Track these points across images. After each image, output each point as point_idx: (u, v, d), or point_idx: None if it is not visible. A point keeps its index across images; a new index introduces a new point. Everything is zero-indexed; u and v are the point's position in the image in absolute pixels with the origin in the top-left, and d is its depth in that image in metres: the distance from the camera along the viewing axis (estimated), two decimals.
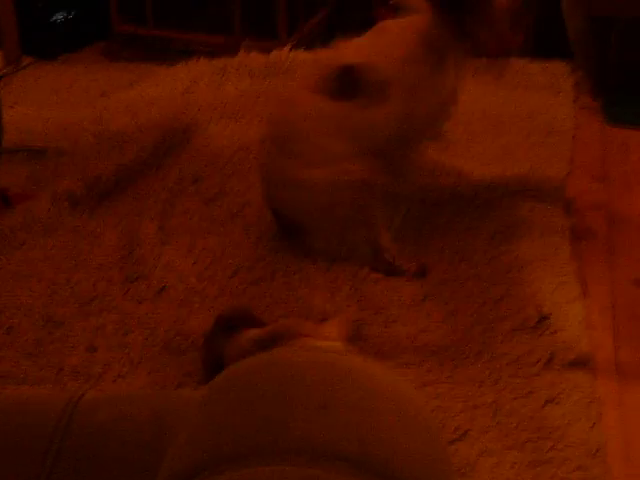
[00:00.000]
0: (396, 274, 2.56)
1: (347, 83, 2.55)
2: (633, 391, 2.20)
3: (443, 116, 2.68)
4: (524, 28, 2.52)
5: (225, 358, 2.12)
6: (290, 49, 4.01)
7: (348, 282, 2.59)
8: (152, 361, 2.31)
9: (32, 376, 2.25)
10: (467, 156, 3.22)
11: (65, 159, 3.29)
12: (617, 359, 2.31)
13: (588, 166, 3.23)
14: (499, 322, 2.40)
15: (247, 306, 2.42)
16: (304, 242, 2.66)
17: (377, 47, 2.61)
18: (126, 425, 1.16)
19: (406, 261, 2.60)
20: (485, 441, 2.02)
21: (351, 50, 2.63)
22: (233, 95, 3.74)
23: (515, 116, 3.49)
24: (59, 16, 4.34)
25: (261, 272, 2.64)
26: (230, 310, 2.32)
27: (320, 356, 0.91)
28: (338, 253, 2.64)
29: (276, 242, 2.76)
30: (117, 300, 2.54)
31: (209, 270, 2.66)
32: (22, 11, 4.23)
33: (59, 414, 1.16)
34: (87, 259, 2.72)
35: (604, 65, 3.65)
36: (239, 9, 4.09)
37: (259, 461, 0.79)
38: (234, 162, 3.24)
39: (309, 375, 0.87)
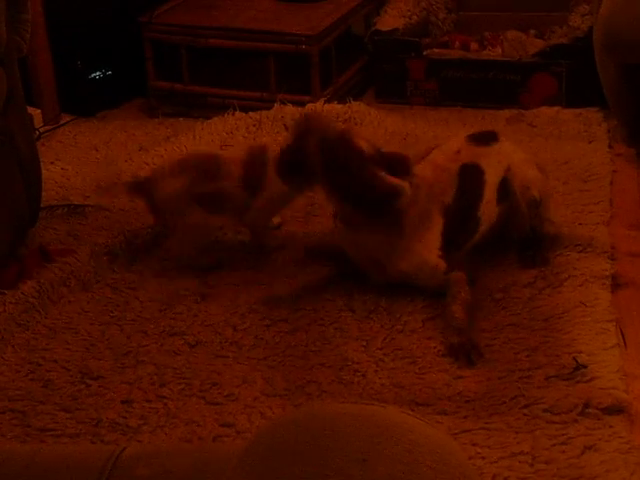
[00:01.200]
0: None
1: None
2: None
3: None
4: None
5: None
6: (324, 102, 4.03)
7: (384, 332, 2.59)
8: (189, 412, 2.32)
9: (70, 429, 2.27)
10: None
11: (104, 214, 3.32)
12: None
13: (626, 213, 3.20)
14: (535, 370, 2.38)
15: None
16: None
17: None
18: None
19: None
20: None
21: None
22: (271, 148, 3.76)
23: (551, 163, 3.48)
24: (97, 74, 4.39)
25: (297, 323, 2.66)
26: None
27: (359, 408, 0.91)
28: None
29: (315, 295, 2.78)
30: (152, 352, 2.56)
31: (245, 321, 2.68)
32: (61, 69, 4.28)
33: (100, 470, 1.17)
34: (123, 313, 2.74)
35: (639, 113, 3.63)
36: (273, 65, 4.13)
37: None
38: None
39: (348, 428, 0.87)
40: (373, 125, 3.94)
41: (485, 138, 2.92)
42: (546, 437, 2.14)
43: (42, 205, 3.30)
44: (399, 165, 2.66)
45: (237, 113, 4.05)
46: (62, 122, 4.28)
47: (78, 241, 3.15)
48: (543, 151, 3.64)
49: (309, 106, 3.96)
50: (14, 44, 3.02)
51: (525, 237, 2.89)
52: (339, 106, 4.05)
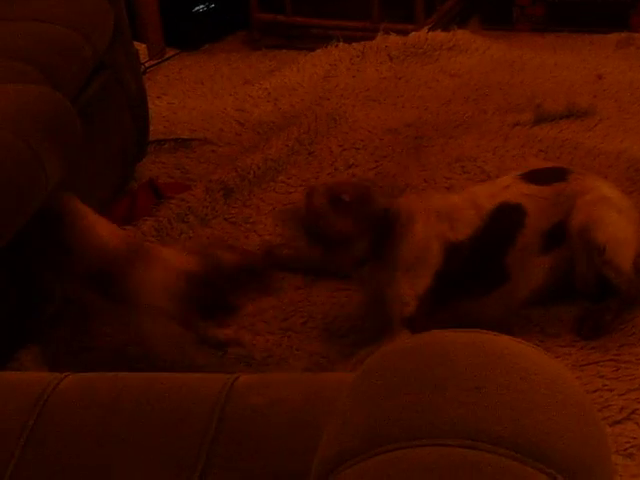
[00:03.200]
0: None
1: None
2: None
3: None
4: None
5: None
6: (428, 30, 3.98)
7: None
8: (313, 345, 2.33)
9: (197, 361, 2.27)
10: (622, 130, 3.14)
11: (211, 148, 3.35)
12: None
13: None
14: None
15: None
16: None
17: None
18: (279, 409, 1.17)
19: None
20: None
21: None
22: (374, 78, 3.74)
23: None
24: (200, 7, 4.41)
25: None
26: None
27: (472, 337, 0.91)
28: None
29: None
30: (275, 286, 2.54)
31: None
32: (165, 3, 4.30)
33: (215, 397, 1.19)
34: (243, 245, 2.74)
35: None
36: None
37: (412, 444, 0.79)
38: (385, 145, 3.22)
39: (461, 356, 0.87)
40: (479, 52, 3.89)
41: (549, 176, 2.42)
42: None
43: (150, 139, 3.34)
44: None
45: (340, 44, 4.02)
46: (167, 56, 4.31)
47: (185, 175, 3.19)
48: None
49: (414, 33, 3.92)
50: None
51: (589, 293, 2.39)
52: (443, 34, 4.01)
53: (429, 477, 0.76)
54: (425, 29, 4.01)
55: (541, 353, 0.90)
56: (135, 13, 4.10)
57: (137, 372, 1.33)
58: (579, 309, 2.36)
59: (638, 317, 2.31)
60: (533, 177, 2.39)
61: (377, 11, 4.11)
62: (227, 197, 2.99)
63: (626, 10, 4.02)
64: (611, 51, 3.85)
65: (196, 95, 3.91)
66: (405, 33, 3.99)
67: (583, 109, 3.26)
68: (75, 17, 2.71)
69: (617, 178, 2.80)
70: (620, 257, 2.30)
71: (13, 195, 1.97)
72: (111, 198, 2.92)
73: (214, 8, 4.44)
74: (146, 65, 4.10)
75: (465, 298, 2.33)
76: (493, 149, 3.10)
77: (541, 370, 0.86)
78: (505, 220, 2.32)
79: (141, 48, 4.05)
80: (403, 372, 0.87)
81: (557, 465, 0.77)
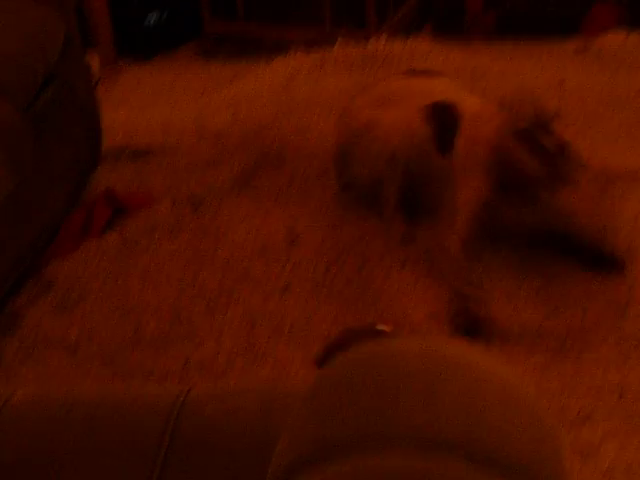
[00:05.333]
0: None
1: None
2: None
3: None
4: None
5: None
6: (386, 39, 4.00)
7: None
8: (278, 354, 2.34)
9: (159, 370, 2.31)
10: (589, 134, 3.16)
11: (168, 157, 3.34)
12: None
13: None
14: (632, 304, 2.38)
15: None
16: None
17: None
18: (234, 419, 1.17)
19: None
20: (610, 424, 2.01)
21: None
22: (334, 88, 3.74)
23: (626, 94, 3.45)
24: (153, 17, 4.39)
25: (391, 262, 2.65)
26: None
27: (424, 343, 0.91)
28: None
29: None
30: (244, 296, 2.56)
31: (338, 263, 2.67)
32: (116, 14, 4.29)
33: (169, 409, 1.18)
34: (213, 257, 2.75)
35: None
36: (329, 1, 4.09)
37: (365, 452, 0.79)
38: None
39: (413, 363, 0.87)
40: (438, 60, 3.89)
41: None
42: (636, 372, 2.15)
43: (108, 149, 3.32)
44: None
45: (299, 54, 4.02)
46: (119, 66, 4.29)
47: (144, 184, 3.17)
48: (615, 80, 3.58)
49: None
50: None
51: None
52: (401, 42, 4.01)
53: None
54: (383, 37, 4.01)
55: (492, 358, 0.89)
56: (87, 24, 4.09)
57: (89, 386, 1.32)
58: (541, 315, 2.38)
59: (600, 322, 2.33)
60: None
61: (329, 18, 4.11)
62: (195, 209, 2.98)
63: (576, 18, 4.06)
64: (569, 57, 3.88)
65: (154, 105, 3.89)
66: (358, 40, 4.00)
67: (550, 114, 3.29)
68: (25, 28, 2.70)
69: (590, 180, 2.81)
70: None
71: None
72: (65, 209, 2.90)
73: (166, 18, 4.43)
74: (98, 76, 4.07)
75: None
76: None
77: (493, 376, 0.86)
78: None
79: (93, 59, 4.03)
80: (356, 381, 0.87)
81: (509, 471, 0.77)
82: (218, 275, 2.67)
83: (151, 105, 3.87)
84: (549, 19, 4.11)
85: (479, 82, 3.68)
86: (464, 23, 4.26)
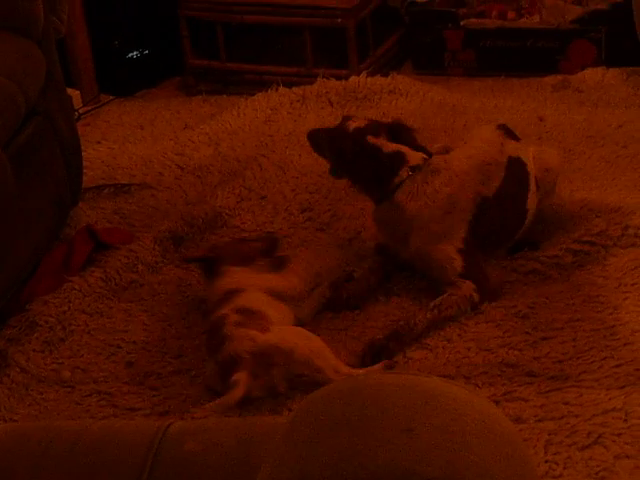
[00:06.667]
0: None
1: None
2: None
3: None
4: None
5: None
6: (367, 75, 4.01)
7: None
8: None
9: (159, 407, 2.31)
10: (569, 170, 3.17)
11: (150, 192, 3.34)
12: None
13: None
14: (620, 327, 2.40)
15: None
16: None
17: None
18: (214, 455, 1.16)
19: None
20: (620, 445, 2.02)
21: None
22: (316, 124, 3.74)
23: (605, 128, 3.48)
24: (134, 53, 4.40)
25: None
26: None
27: (402, 379, 0.91)
28: None
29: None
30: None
31: None
32: (98, 50, 4.29)
33: (148, 444, 1.18)
34: (196, 292, 2.75)
35: None
36: (310, 39, 4.10)
37: None
38: (338, 189, 3.19)
39: (393, 399, 0.87)
40: (419, 96, 3.91)
41: (510, 131, 2.86)
42: (638, 393, 2.15)
43: (89, 184, 3.32)
44: (402, 133, 2.69)
45: (281, 89, 4.01)
46: (102, 102, 4.29)
47: (125, 220, 3.17)
48: (594, 116, 3.60)
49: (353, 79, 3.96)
50: (52, 25, 3.02)
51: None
52: (382, 79, 4.03)
53: None
54: (364, 74, 4.03)
55: (471, 393, 0.90)
56: (68, 59, 4.09)
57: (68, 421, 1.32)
58: (532, 342, 2.41)
59: (595, 345, 2.35)
60: (508, 133, 2.82)
61: (311, 57, 4.13)
62: (178, 245, 2.97)
63: (554, 56, 4.09)
64: (548, 93, 3.90)
65: (136, 140, 3.88)
66: (340, 78, 4.01)
67: None
68: (7, 64, 2.70)
69: (571, 217, 2.86)
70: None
71: None
72: (46, 244, 2.90)
73: (148, 54, 4.43)
74: (80, 111, 4.07)
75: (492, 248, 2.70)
76: None
77: (471, 410, 0.86)
78: (518, 171, 2.74)
79: (75, 94, 4.02)
80: (335, 415, 0.87)
81: None
82: (202, 309, 2.65)
83: (132, 141, 3.87)
84: (528, 57, 4.14)
85: (460, 118, 3.69)
86: (444, 60, 4.28)
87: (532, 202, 2.76)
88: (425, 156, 2.65)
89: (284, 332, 2.30)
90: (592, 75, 3.94)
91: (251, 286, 2.45)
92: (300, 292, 2.55)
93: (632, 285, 2.57)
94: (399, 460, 0.79)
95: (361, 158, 2.64)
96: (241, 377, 2.19)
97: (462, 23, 4.24)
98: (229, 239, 2.87)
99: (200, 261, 2.61)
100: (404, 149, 2.64)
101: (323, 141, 2.76)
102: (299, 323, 2.50)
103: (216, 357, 2.29)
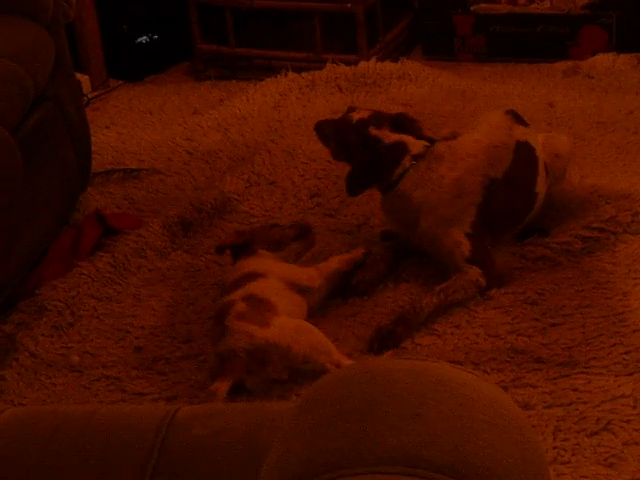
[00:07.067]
0: None
1: None
2: None
3: None
4: None
5: None
6: (376, 60, 4.00)
7: None
8: None
9: (167, 392, 2.31)
10: (580, 156, 3.16)
11: (159, 177, 3.34)
12: None
13: None
14: (630, 313, 2.40)
15: None
16: None
17: None
18: (221, 440, 1.16)
19: None
20: (629, 432, 2.02)
21: None
22: (325, 109, 3.73)
23: (616, 114, 3.46)
24: (143, 38, 4.39)
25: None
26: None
27: (411, 364, 0.90)
28: None
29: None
30: None
31: None
32: (107, 35, 4.29)
33: (156, 429, 1.18)
34: (205, 277, 2.76)
35: None
36: (319, 24, 4.09)
37: (353, 472, 0.78)
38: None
39: (401, 384, 0.86)
40: (428, 82, 3.90)
41: (518, 116, 2.83)
42: None
43: (98, 169, 3.32)
44: (406, 124, 2.69)
45: (290, 74, 4.02)
46: (110, 87, 4.29)
47: (134, 205, 3.18)
48: (604, 102, 3.59)
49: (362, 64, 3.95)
50: (61, 10, 3.01)
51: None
52: (391, 64, 4.02)
53: None
54: (373, 59, 4.02)
55: (480, 379, 0.89)
56: (77, 45, 4.09)
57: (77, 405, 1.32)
58: (541, 328, 2.40)
59: (604, 331, 2.35)
60: (516, 118, 2.79)
61: (320, 43, 4.12)
62: (186, 230, 2.97)
63: (564, 41, 4.08)
64: (559, 79, 3.89)
65: (145, 125, 3.89)
66: (349, 63, 4.00)
67: None
68: (16, 49, 2.70)
69: (581, 203, 2.85)
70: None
71: None
72: (54, 229, 2.90)
73: (157, 39, 4.43)
74: (89, 96, 4.07)
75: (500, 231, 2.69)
76: None
77: (480, 396, 0.86)
78: (526, 155, 2.72)
79: (84, 79, 4.02)
80: (343, 400, 0.86)
81: None
82: (210, 295, 2.66)
83: (141, 126, 3.87)
84: (538, 43, 4.12)
85: (469, 104, 3.68)
86: (454, 45, 4.27)
87: (541, 186, 2.75)
88: (427, 144, 2.64)
89: (284, 327, 2.28)
90: (602, 61, 3.93)
91: (270, 273, 2.45)
92: (319, 287, 2.54)
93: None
94: (407, 445, 0.79)
95: (363, 149, 2.64)
96: (220, 387, 2.19)
97: (472, 8, 4.23)
98: (260, 225, 2.85)
99: (231, 247, 2.59)
100: (406, 138, 2.65)
101: (329, 132, 2.76)
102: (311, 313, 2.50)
103: (216, 347, 2.29)
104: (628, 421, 2.04)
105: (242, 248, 2.55)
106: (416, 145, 2.64)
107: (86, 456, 1.15)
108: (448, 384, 0.87)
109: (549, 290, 2.53)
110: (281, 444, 0.87)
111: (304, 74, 4.00)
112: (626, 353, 2.26)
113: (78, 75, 3.33)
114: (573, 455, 1.97)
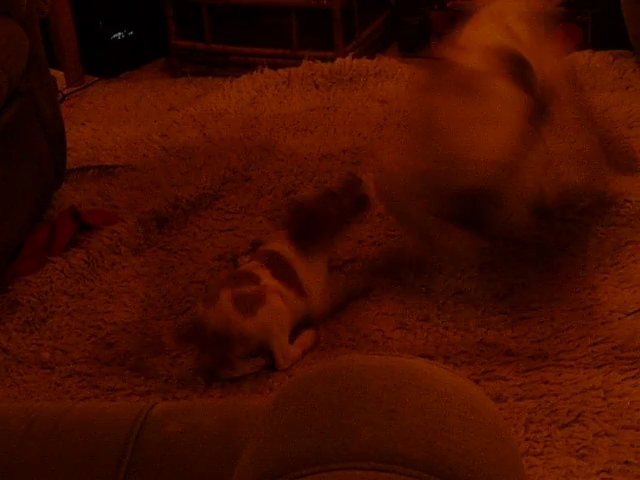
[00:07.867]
0: None
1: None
2: None
3: None
4: None
5: None
6: (353, 57, 4.00)
7: (442, 277, 2.62)
8: None
9: (140, 388, 2.32)
10: (555, 152, 3.15)
11: (134, 174, 3.33)
12: None
13: None
14: (598, 307, 2.42)
15: None
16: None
17: None
18: (196, 436, 1.16)
19: None
20: (600, 423, 2.05)
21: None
22: (301, 106, 3.74)
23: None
24: (118, 34, 4.38)
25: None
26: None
27: (385, 360, 0.90)
28: None
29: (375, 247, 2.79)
30: None
31: None
32: (82, 30, 4.27)
33: (130, 426, 1.17)
34: (178, 274, 2.75)
35: None
36: (296, 21, 4.09)
37: (327, 468, 0.78)
38: (322, 171, 3.21)
39: (376, 380, 0.86)
40: (404, 79, 3.90)
41: None
42: (616, 372, 2.19)
43: (73, 166, 3.31)
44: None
45: (266, 70, 4.01)
46: (85, 84, 4.27)
47: (109, 201, 3.17)
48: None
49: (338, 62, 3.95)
50: (35, 5, 3.00)
51: None
52: (368, 61, 4.02)
53: None
54: (350, 56, 4.02)
55: (454, 374, 0.89)
56: (52, 40, 4.07)
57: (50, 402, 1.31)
58: (510, 322, 2.42)
59: (573, 324, 2.37)
60: None
61: (297, 38, 4.11)
62: (161, 226, 2.97)
63: None
64: None
65: (120, 121, 3.87)
66: (326, 60, 4.00)
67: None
68: None
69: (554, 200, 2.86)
70: None
71: None
72: (29, 226, 2.89)
73: (132, 35, 4.42)
74: (64, 93, 4.05)
75: None
76: None
77: (455, 391, 0.86)
78: None
79: (59, 76, 4.00)
80: (317, 396, 0.86)
81: None
82: (183, 292, 2.66)
83: (117, 122, 3.86)
84: None
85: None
86: (430, 42, 4.28)
87: None
88: None
89: (266, 320, 2.32)
90: (578, 58, 3.94)
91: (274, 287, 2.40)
92: (317, 315, 2.50)
93: (611, 266, 2.58)
94: (382, 441, 0.79)
95: None
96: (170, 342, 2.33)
97: (449, 5, 4.23)
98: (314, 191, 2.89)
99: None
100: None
101: None
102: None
103: (198, 311, 2.35)
104: (598, 413, 2.07)
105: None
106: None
107: (60, 453, 1.15)
108: (423, 380, 0.87)
109: (518, 284, 2.55)
110: (256, 440, 0.87)
111: (280, 70, 4.00)
112: (594, 345, 2.28)
113: (53, 71, 3.32)
114: (545, 447, 2.00)
